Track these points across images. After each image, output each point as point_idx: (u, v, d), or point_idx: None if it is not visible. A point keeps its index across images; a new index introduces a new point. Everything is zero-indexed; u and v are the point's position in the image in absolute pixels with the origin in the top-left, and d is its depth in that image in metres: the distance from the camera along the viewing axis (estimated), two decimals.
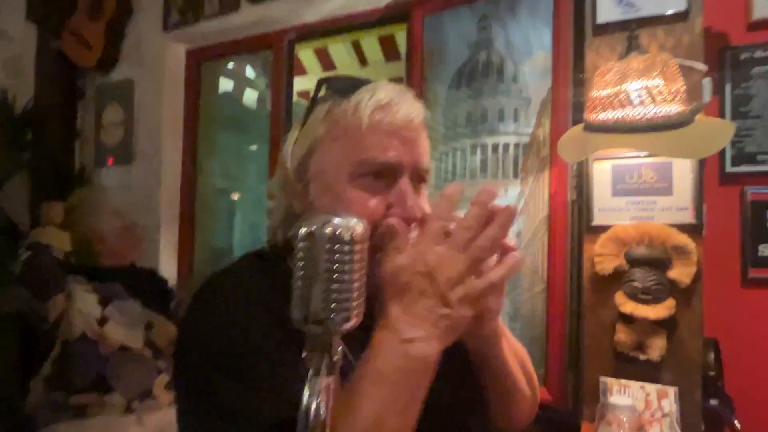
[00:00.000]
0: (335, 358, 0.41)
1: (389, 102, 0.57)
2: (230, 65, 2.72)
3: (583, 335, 1.32)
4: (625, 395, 0.90)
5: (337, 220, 0.41)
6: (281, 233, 0.63)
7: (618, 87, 1.02)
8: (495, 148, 1.58)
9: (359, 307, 0.41)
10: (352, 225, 0.41)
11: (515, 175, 1.54)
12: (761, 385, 1.30)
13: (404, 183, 0.57)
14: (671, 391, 1.09)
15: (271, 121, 2.09)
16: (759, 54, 1.31)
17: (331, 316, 0.40)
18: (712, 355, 1.24)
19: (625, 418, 0.75)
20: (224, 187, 2.76)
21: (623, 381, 1.16)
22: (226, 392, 0.49)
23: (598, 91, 1.07)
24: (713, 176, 1.36)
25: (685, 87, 1.01)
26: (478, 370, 0.64)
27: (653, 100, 0.97)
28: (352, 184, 0.57)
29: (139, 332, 1.43)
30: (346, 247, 0.40)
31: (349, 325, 0.41)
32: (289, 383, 0.44)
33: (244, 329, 0.52)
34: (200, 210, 2.39)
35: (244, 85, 2.87)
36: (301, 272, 0.40)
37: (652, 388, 1.12)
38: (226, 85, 2.71)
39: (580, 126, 1.17)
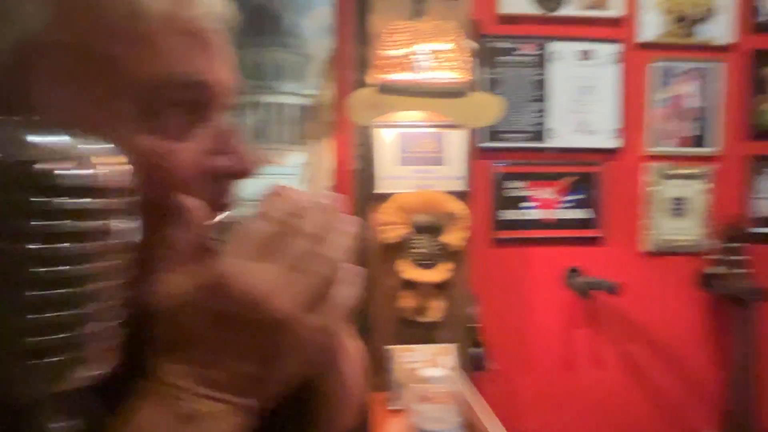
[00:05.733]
0: None
1: None
2: None
3: (370, 305, 1.30)
4: (437, 367, 0.90)
5: (49, 141, 0.18)
6: None
7: (409, 48, 0.99)
8: (274, 108, 1.40)
9: (113, 336, 0.20)
10: (88, 151, 0.19)
11: (297, 141, 1.40)
12: (508, 330, 1.54)
13: (224, 116, 0.36)
14: (451, 348, 1.16)
15: None
16: (505, 45, 1.51)
17: (41, 362, 0.17)
18: (474, 309, 1.40)
19: (437, 390, 0.73)
20: None
21: (408, 346, 1.19)
22: None
23: (388, 51, 1.01)
24: (472, 151, 1.51)
25: (467, 59, 1.05)
26: (309, 392, 0.47)
27: (443, 65, 0.97)
28: (143, 127, 0.31)
29: None
30: (75, 203, 0.18)
31: (88, 374, 0.19)
32: None
33: None
34: None
35: None
36: None
37: (434, 348, 1.17)
38: None
39: (372, 87, 1.10)
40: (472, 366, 1.33)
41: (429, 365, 1.16)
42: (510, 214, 1.54)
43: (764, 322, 1.48)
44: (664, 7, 1.56)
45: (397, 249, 1.24)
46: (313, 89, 1.30)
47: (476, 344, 1.36)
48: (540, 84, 1.54)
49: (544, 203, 1.54)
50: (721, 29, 1.59)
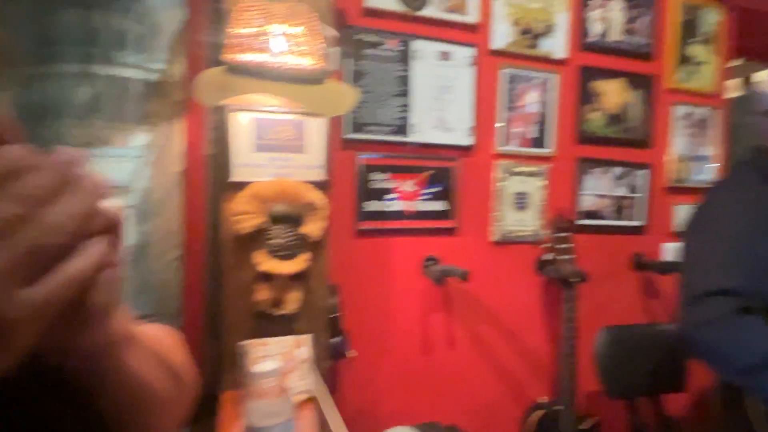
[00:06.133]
0: None
1: None
2: None
3: (223, 300, 1.23)
4: (266, 360, 0.87)
5: None
6: None
7: (260, 28, 0.94)
8: (112, 81, 1.24)
9: None
10: None
11: (141, 121, 1.26)
12: (366, 318, 1.57)
13: None
14: (307, 338, 1.15)
15: None
16: (370, 38, 1.53)
17: None
18: (334, 300, 1.40)
19: (269, 384, 0.70)
20: None
21: (262, 340, 1.14)
22: None
23: (238, 29, 0.95)
24: (336, 141, 1.51)
25: (323, 46, 1.03)
26: (93, 392, 0.41)
27: (294, 50, 0.94)
28: None
29: None
30: None
31: None
32: None
33: None
34: None
35: None
36: None
37: (289, 340, 1.15)
38: None
39: (222, 67, 1.03)
40: (332, 355, 1.33)
41: (284, 358, 1.14)
42: (373, 206, 1.57)
43: (584, 300, 1.72)
44: (512, 18, 1.72)
45: (252, 240, 1.18)
46: (160, 64, 1.16)
47: (336, 333, 1.37)
48: (404, 80, 1.59)
49: (405, 195, 1.61)
50: (558, 45, 1.80)
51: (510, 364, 1.80)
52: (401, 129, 1.59)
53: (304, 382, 1.09)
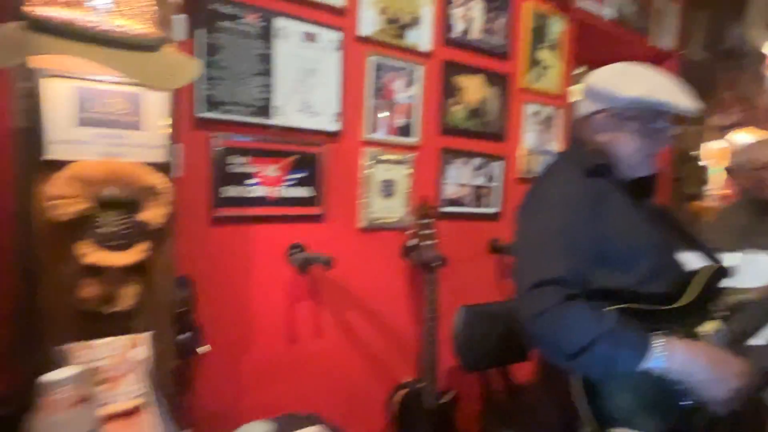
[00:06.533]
0: None
1: None
2: None
3: (41, 299, 1.05)
4: (66, 367, 0.75)
5: None
6: None
7: None
8: None
9: None
10: None
11: None
12: (226, 311, 1.48)
13: None
14: (145, 337, 1.03)
15: None
16: (226, 10, 1.42)
17: None
18: (183, 292, 1.29)
19: (63, 395, 0.60)
20: None
21: (88, 343, 1.01)
22: None
23: None
24: (186, 120, 1.38)
25: (155, 9, 0.91)
26: None
27: (115, 10, 0.82)
28: None
29: None
30: None
31: None
32: None
33: None
34: None
35: None
36: None
37: (123, 340, 1.02)
38: None
39: (24, 21, 0.86)
40: (180, 353, 1.22)
41: (115, 360, 1.01)
42: (232, 191, 1.47)
43: (445, 283, 1.82)
44: (379, 6, 1.73)
45: (74, 228, 1.02)
46: None
47: (186, 329, 1.27)
48: (265, 58, 1.51)
49: (268, 181, 1.53)
50: (423, 37, 1.86)
51: (376, 347, 1.85)
52: (263, 110, 1.51)
53: (139, 385, 0.98)
